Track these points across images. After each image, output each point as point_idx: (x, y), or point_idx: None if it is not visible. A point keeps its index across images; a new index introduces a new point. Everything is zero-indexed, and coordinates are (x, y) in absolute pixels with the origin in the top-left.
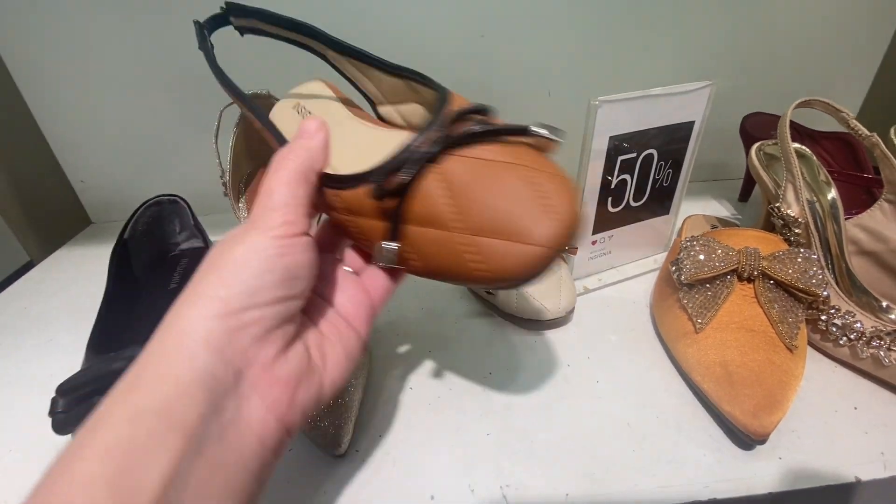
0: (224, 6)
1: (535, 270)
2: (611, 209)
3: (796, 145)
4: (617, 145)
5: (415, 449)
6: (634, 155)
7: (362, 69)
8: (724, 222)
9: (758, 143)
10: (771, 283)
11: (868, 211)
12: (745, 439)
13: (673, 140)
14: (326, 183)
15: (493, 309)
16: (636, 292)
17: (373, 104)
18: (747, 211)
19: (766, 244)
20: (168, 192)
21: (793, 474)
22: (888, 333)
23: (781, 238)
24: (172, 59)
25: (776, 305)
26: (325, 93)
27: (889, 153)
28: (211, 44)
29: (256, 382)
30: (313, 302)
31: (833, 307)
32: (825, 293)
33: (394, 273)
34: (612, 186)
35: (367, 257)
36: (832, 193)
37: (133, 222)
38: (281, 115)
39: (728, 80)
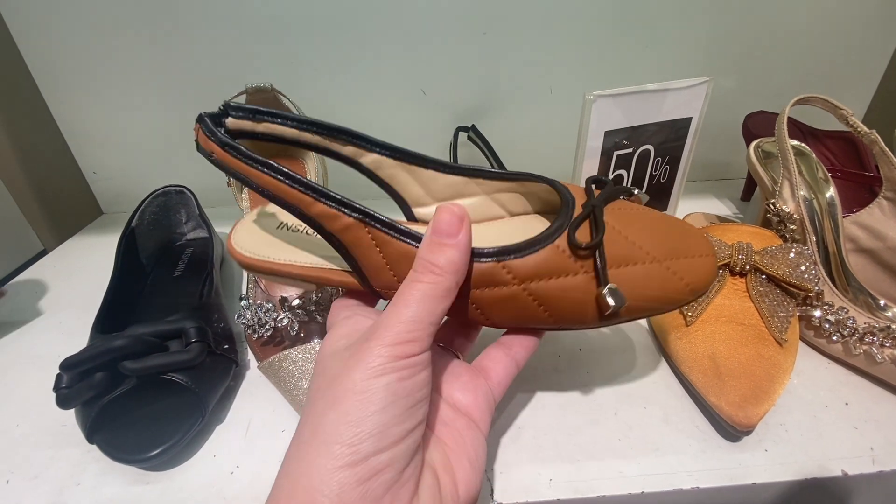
0: (222, 106)
1: (716, 274)
2: None
3: (795, 143)
4: (613, 140)
5: None
6: (631, 151)
7: (411, 171)
8: (725, 220)
9: (756, 140)
10: (763, 278)
11: (867, 208)
12: (731, 430)
13: (670, 136)
14: (487, 257)
15: None
16: None
17: (408, 206)
18: (749, 210)
19: (760, 240)
20: (174, 184)
21: (778, 466)
22: (881, 330)
23: (776, 234)
24: (182, 56)
25: (767, 300)
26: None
27: (888, 150)
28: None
29: None
30: (431, 402)
31: (827, 303)
32: (818, 288)
33: (523, 342)
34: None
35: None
36: (830, 191)
37: (140, 212)
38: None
39: (732, 78)
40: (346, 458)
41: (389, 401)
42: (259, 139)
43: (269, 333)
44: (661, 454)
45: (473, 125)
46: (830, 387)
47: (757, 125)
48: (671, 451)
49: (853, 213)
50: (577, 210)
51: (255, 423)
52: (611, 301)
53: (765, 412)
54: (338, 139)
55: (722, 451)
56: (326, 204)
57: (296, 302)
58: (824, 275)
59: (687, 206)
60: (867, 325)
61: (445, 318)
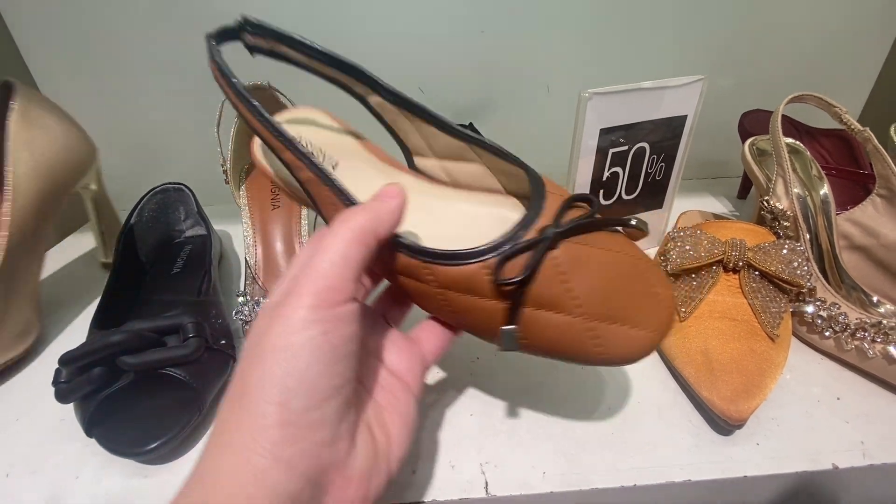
0: (240, 20)
1: (647, 354)
2: (603, 202)
3: (789, 140)
4: (608, 139)
5: None
6: (626, 148)
7: (413, 121)
8: (720, 218)
9: (751, 138)
10: (756, 274)
11: (860, 206)
12: (723, 424)
13: (665, 134)
14: (415, 254)
15: None
16: None
17: (409, 153)
18: (745, 208)
19: (753, 236)
20: (174, 182)
21: (769, 460)
22: (872, 325)
23: (770, 231)
24: (180, 53)
25: (759, 295)
26: (333, 127)
27: (881, 148)
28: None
29: (333, 489)
30: (364, 363)
31: (819, 299)
32: (810, 284)
33: (452, 327)
34: (604, 179)
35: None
36: (824, 189)
37: (139, 208)
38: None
39: (729, 77)
40: (275, 416)
41: (315, 357)
42: (274, 57)
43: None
44: (654, 448)
45: (471, 123)
46: (822, 382)
47: (753, 123)
48: (664, 445)
49: (847, 210)
50: (546, 215)
51: None
52: (502, 342)
53: (756, 406)
54: (350, 74)
55: (714, 444)
56: (295, 154)
57: None
58: (817, 271)
59: (683, 205)
60: (859, 320)
61: (381, 289)
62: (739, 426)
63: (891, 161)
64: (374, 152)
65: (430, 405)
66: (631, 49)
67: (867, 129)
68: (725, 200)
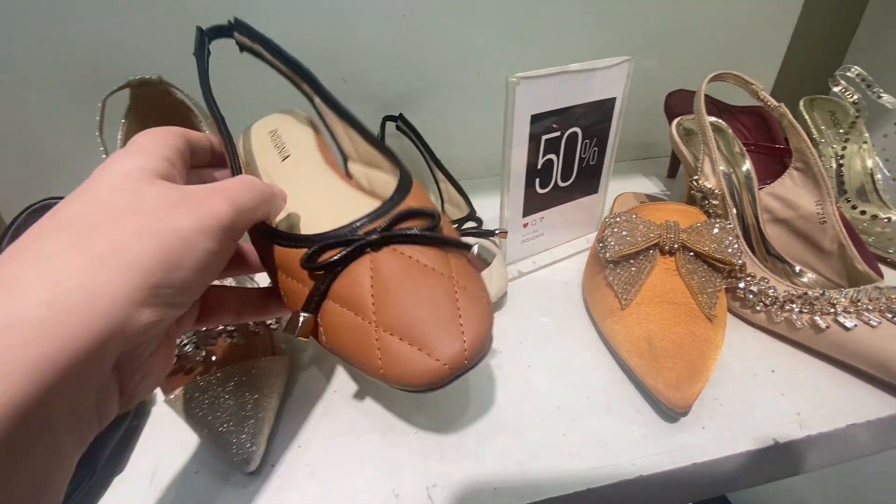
0: (232, 21)
1: (430, 384)
2: (539, 190)
3: (713, 119)
4: (541, 125)
5: (336, 457)
6: (559, 134)
7: (343, 126)
8: (654, 199)
9: (677, 118)
10: (691, 255)
11: (779, 180)
12: (669, 412)
13: (596, 117)
14: (268, 234)
15: None
16: (569, 272)
17: (345, 159)
18: (675, 187)
19: (686, 217)
20: (56, 196)
21: (715, 443)
22: (799, 297)
23: (700, 210)
24: (51, 51)
25: (696, 277)
26: (305, 130)
27: (796, 123)
28: (209, 51)
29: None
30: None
31: (749, 275)
32: (740, 262)
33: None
34: (539, 167)
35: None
36: (746, 165)
37: (13, 230)
38: (256, 137)
39: (652, 58)
40: (147, 292)
41: (206, 262)
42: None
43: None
44: (605, 444)
45: (401, 114)
46: (758, 355)
47: (678, 103)
48: (614, 440)
49: (767, 184)
50: (388, 217)
51: (163, 467)
52: (289, 325)
53: (699, 390)
54: (298, 74)
55: (663, 434)
56: (220, 130)
57: (202, 329)
58: (745, 247)
59: (617, 187)
60: (786, 293)
61: None
62: (685, 413)
63: (805, 135)
64: (324, 154)
65: (370, 427)
66: (557, 31)
67: (782, 104)
68: (656, 180)
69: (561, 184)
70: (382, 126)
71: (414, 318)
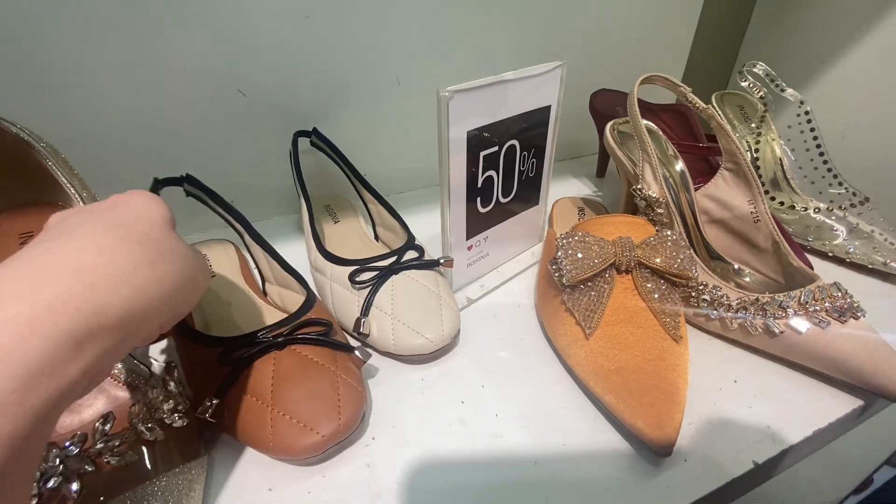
0: (184, 176)
1: (312, 452)
2: (481, 209)
3: (645, 122)
4: (478, 140)
5: None
6: (496, 149)
7: (264, 255)
8: (589, 202)
9: (611, 122)
10: (647, 273)
11: (713, 180)
12: (653, 453)
13: (532, 127)
14: (194, 337)
15: (372, 349)
16: (519, 293)
17: (264, 281)
18: (605, 186)
19: (635, 230)
20: None
21: (700, 478)
22: (752, 303)
23: (646, 219)
24: None
25: (656, 295)
26: (232, 257)
27: (724, 123)
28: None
29: None
30: None
31: (702, 283)
32: (695, 274)
33: None
34: (479, 185)
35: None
36: (680, 165)
37: None
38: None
39: (572, 57)
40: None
41: None
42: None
43: None
44: (591, 499)
45: (315, 128)
46: (718, 365)
47: (603, 103)
48: (600, 494)
49: (701, 185)
50: (292, 326)
51: None
52: (200, 409)
53: (679, 425)
54: (235, 217)
55: (648, 475)
56: None
57: (73, 450)
58: (695, 255)
59: (550, 191)
60: (739, 300)
61: None
62: (669, 453)
63: (734, 136)
64: (245, 275)
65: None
66: (475, 33)
67: (710, 106)
68: (587, 181)
69: (502, 200)
70: (294, 142)
71: (304, 403)
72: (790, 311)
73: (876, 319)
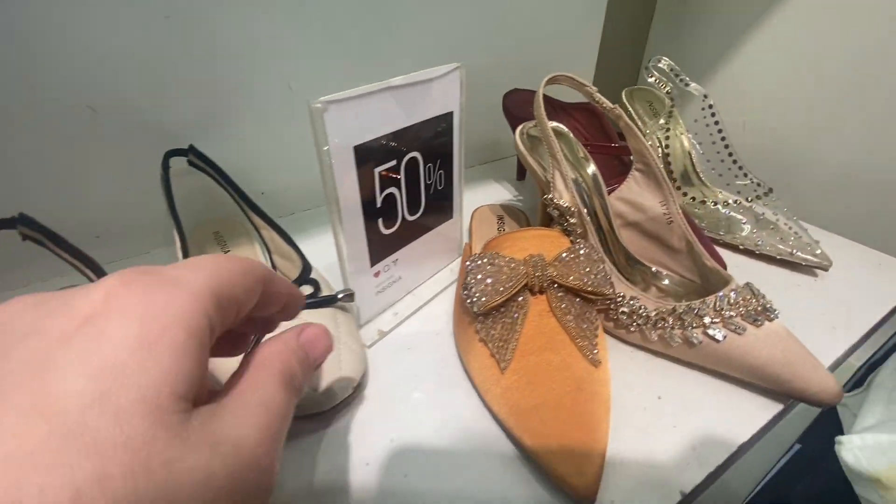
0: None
1: None
2: (384, 230)
3: (554, 124)
4: (367, 154)
5: None
6: (395, 162)
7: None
8: (509, 209)
9: (520, 126)
10: (561, 292)
11: (625, 183)
12: (576, 503)
13: (435, 136)
14: None
15: None
16: (438, 319)
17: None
18: (526, 189)
19: (548, 244)
20: None
21: None
22: (670, 314)
23: (560, 229)
24: None
25: (571, 316)
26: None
27: (632, 125)
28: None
29: None
30: None
31: (620, 295)
32: (612, 289)
33: None
34: (379, 205)
35: None
36: (591, 168)
37: None
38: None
39: (485, 57)
40: None
41: None
42: None
43: None
44: None
45: (191, 145)
46: (640, 379)
47: (514, 103)
48: None
49: (614, 187)
50: None
51: None
52: None
53: (600, 468)
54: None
55: None
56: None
57: None
58: (611, 265)
59: (467, 197)
60: (657, 311)
61: None
62: (593, 501)
63: (642, 137)
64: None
65: None
66: (375, 31)
67: (617, 106)
68: (507, 184)
69: (409, 217)
70: (165, 164)
71: None
72: (706, 319)
73: (788, 312)
